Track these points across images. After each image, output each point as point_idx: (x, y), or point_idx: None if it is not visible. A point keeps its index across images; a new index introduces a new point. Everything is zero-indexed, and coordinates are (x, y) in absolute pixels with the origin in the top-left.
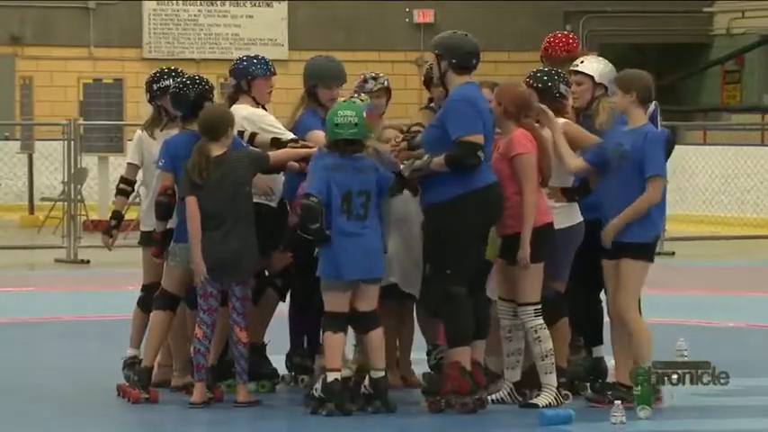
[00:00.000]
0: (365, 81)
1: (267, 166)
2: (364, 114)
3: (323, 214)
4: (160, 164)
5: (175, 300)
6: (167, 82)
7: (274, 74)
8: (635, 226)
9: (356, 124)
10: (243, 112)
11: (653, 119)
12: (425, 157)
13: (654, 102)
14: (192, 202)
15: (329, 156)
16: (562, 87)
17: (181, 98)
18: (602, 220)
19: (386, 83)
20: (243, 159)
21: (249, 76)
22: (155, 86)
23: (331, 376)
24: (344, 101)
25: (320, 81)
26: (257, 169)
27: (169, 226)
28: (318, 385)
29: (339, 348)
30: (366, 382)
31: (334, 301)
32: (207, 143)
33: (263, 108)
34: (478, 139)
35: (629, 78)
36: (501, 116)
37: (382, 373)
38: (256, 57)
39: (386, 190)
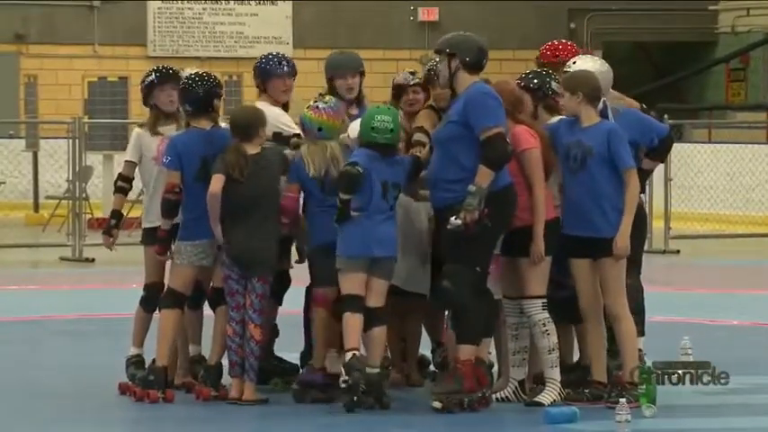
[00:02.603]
0: (412, 73)
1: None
2: (399, 119)
3: (359, 189)
4: (165, 161)
5: (183, 298)
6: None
7: (291, 73)
8: (605, 222)
9: (392, 130)
10: None
11: (603, 116)
12: (470, 188)
13: (602, 99)
14: (218, 180)
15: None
16: (554, 85)
17: (190, 94)
18: (573, 220)
19: (422, 78)
20: (276, 158)
21: (264, 75)
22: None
23: (350, 355)
24: (307, 107)
25: (335, 73)
26: (286, 168)
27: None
28: (344, 375)
29: (358, 329)
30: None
31: (353, 284)
32: (241, 143)
33: (284, 107)
34: (502, 129)
35: (574, 80)
36: None
37: (377, 370)
38: (274, 55)
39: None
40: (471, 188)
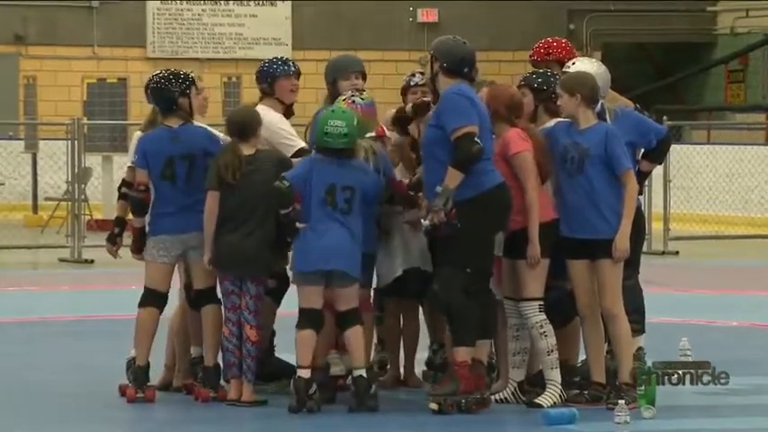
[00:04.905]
0: (413, 75)
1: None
2: (355, 121)
3: (293, 201)
4: (134, 159)
5: (157, 295)
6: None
7: (297, 73)
8: (603, 224)
9: (345, 134)
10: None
11: (601, 118)
12: (437, 189)
13: (599, 102)
14: (213, 198)
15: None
16: (557, 88)
17: (162, 93)
18: (570, 222)
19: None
20: (271, 160)
21: (271, 77)
22: None
23: (298, 373)
24: (343, 99)
25: (337, 74)
26: (282, 171)
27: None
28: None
29: (307, 345)
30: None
31: (306, 297)
32: (237, 143)
33: (290, 108)
34: (472, 128)
35: (572, 81)
36: (492, 118)
37: (362, 372)
38: (278, 58)
39: (377, 196)
40: (438, 189)
